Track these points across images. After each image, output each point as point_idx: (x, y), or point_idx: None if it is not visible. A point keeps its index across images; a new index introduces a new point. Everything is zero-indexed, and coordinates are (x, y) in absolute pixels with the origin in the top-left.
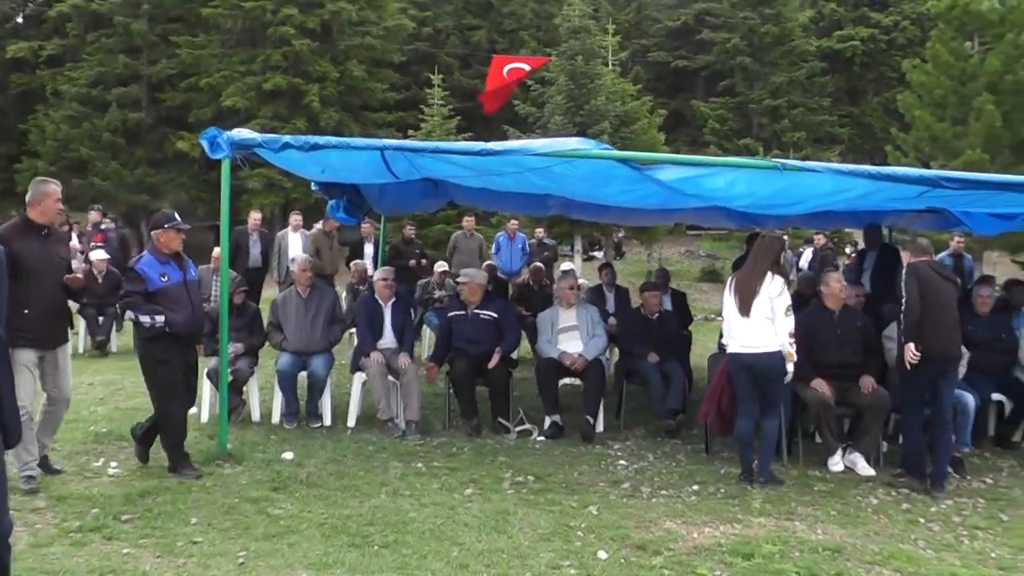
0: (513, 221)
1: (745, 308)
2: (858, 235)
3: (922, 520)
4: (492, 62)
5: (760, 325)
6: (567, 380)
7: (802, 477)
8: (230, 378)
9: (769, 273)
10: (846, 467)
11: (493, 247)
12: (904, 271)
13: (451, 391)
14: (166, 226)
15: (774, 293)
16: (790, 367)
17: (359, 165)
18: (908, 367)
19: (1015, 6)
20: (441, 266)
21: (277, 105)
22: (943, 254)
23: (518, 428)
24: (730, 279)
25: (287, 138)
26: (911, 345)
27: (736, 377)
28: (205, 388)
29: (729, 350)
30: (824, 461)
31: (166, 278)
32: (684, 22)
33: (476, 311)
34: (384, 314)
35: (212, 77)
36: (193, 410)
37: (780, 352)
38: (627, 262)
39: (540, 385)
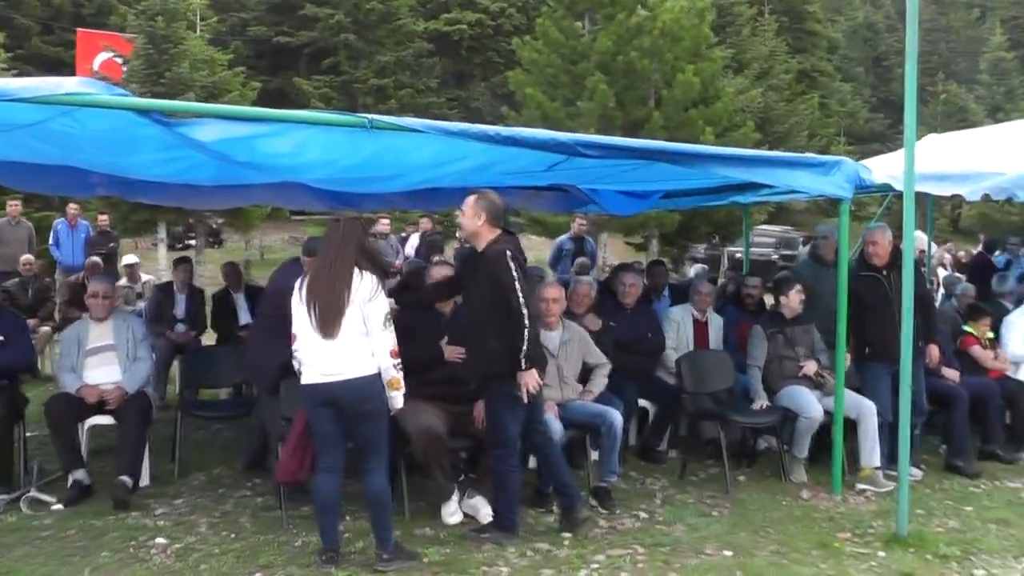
0: (73, 205)
1: (328, 324)
2: None
3: None
4: (78, 36)
5: (348, 343)
6: (97, 420)
7: (407, 538)
8: None
9: (356, 270)
10: (466, 515)
11: (51, 237)
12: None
13: None
14: None
15: (366, 296)
16: (397, 398)
17: None
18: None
19: None
20: None
21: None
22: (564, 237)
23: (29, 494)
24: (299, 282)
25: None
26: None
27: (314, 417)
28: None
29: (303, 380)
30: (437, 509)
31: None
32: None
33: None
34: None
35: None
36: None
37: (377, 378)
38: (227, 251)
39: (52, 430)
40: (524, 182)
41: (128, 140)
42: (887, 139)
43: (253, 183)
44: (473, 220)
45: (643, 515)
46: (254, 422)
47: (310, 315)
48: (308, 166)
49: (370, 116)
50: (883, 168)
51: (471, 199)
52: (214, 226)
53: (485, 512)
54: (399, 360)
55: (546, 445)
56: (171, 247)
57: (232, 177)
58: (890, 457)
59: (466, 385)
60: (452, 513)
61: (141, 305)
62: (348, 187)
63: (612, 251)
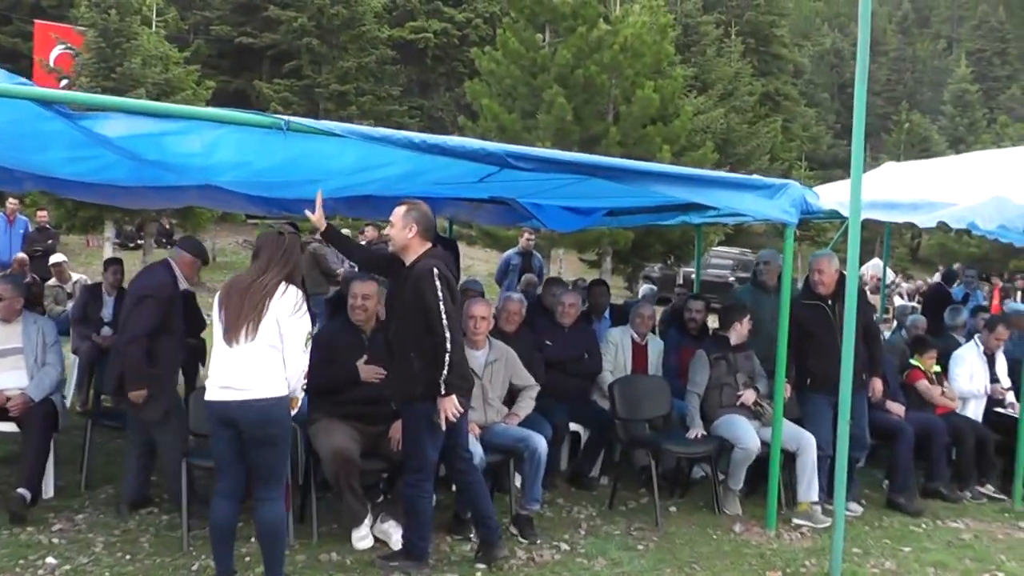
0: (12, 200)
1: (234, 329)
2: None
3: None
4: (35, 28)
5: (256, 357)
6: (0, 427)
7: (312, 563)
8: None
9: (283, 284)
10: (377, 539)
11: None
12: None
13: None
14: None
15: (287, 310)
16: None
17: None
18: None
19: (587, 0)
20: None
21: None
22: (511, 251)
23: None
24: (223, 287)
25: None
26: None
27: (214, 436)
28: None
29: (206, 396)
30: (348, 532)
31: None
32: None
33: None
34: None
35: None
36: None
37: (283, 400)
38: None
39: None
40: (457, 193)
41: (32, 135)
42: (850, 166)
43: (170, 184)
44: (403, 232)
45: (564, 547)
46: (130, 451)
47: (220, 319)
48: (220, 167)
49: (286, 117)
50: (834, 194)
51: (400, 210)
52: (167, 226)
53: (397, 538)
54: (307, 381)
55: (469, 472)
56: (123, 246)
57: (148, 178)
58: (829, 491)
59: (384, 405)
60: (362, 538)
61: (71, 305)
62: (263, 191)
63: (567, 267)
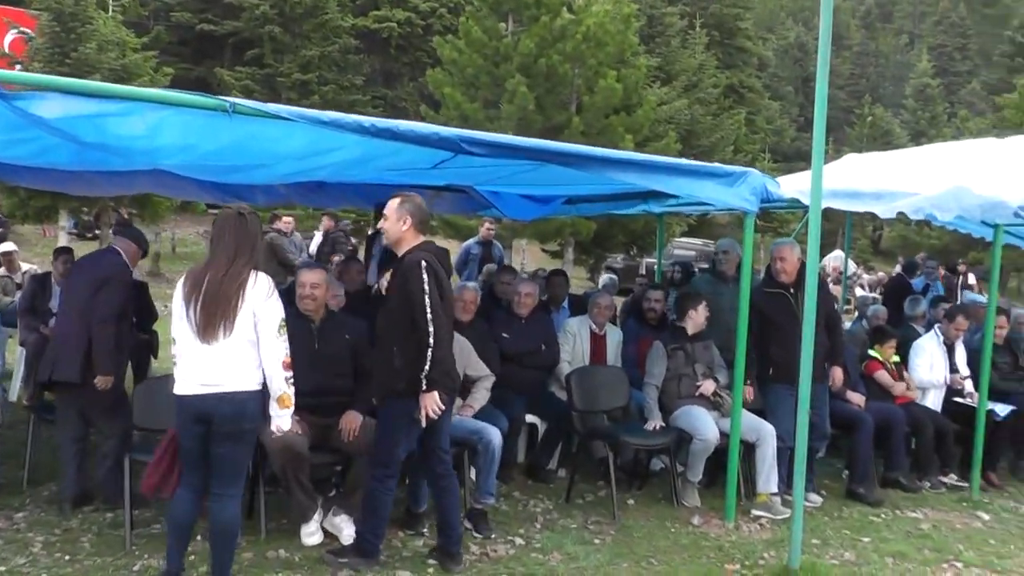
0: None
1: (213, 327)
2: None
3: None
4: None
5: (235, 352)
6: None
7: (259, 560)
8: None
9: (253, 272)
10: (327, 534)
11: None
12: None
13: None
14: None
15: (259, 299)
16: (285, 418)
17: None
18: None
19: None
20: None
21: None
22: (471, 241)
23: None
24: (184, 277)
25: None
26: None
27: (184, 432)
28: None
29: (177, 390)
30: (298, 528)
31: None
32: None
33: None
34: None
35: None
36: None
37: (259, 395)
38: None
39: None
40: (411, 180)
41: None
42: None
43: (116, 168)
44: (397, 225)
45: (520, 541)
46: (67, 446)
47: (190, 315)
48: (164, 151)
49: (232, 100)
50: (795, 183)
51: (395, 202)
52: (125, 215)
53: (348, 533)
54: (291, 373)
55: (446, 477)
56: (80, 236)
57: (91, 161)
58: (789, 482)
59: (334, 396)
60: (311, 533)
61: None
62: (211, 176)
63: (529, 258)
